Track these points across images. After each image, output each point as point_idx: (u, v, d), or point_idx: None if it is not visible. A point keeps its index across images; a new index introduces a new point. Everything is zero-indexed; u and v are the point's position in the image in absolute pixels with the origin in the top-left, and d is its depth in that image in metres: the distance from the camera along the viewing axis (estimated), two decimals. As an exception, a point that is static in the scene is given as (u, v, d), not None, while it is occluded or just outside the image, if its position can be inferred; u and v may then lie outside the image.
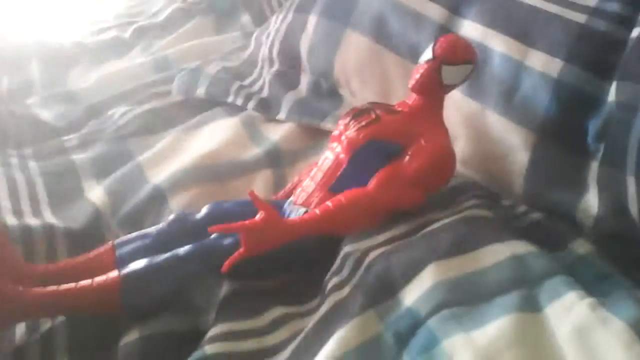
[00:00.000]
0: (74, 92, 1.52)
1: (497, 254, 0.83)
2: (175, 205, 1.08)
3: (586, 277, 0.82)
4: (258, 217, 0.87)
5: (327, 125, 1.24)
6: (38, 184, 1.18)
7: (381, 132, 0.95)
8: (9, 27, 1.89)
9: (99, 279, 0.87)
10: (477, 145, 1.07)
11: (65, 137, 1.34)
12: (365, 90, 1.26)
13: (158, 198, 1.10)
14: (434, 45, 0.97)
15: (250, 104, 1.34)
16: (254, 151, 1.22)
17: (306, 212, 0.94)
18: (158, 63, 1.59)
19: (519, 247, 0.84)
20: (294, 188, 1.05)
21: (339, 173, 0.96)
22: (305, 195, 0.97)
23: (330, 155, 0.98)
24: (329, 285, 0.87)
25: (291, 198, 1.00)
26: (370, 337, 0.78)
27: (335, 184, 0.95)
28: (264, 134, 1.27)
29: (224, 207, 0.99)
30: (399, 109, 1.00)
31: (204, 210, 0.99)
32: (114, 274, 0.88)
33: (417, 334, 0.75)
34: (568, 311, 0.74)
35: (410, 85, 0.98)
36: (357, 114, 0.99)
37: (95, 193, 1.15)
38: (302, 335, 0.82)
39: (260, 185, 1.13)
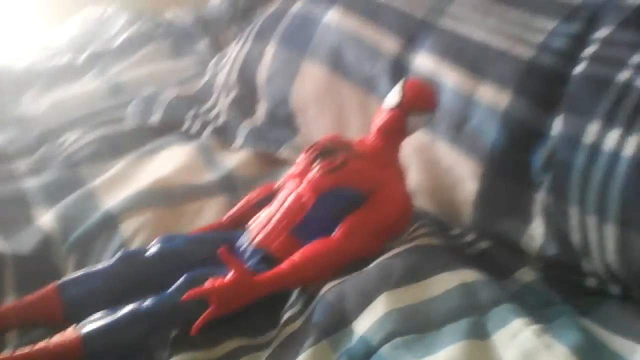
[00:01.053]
0: (25, 117, 1.51)
1: (446, 282, 0.85)
2: (126, 230, 1.07)
3: (531, 304, 0.85)
4: (229, 276, 0.86)
5: (282, 154, 1.25)
6: (-15, 210, 1.16)
7: (347, 180, 0.96)
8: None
9: (57, 340, 0.83)
10: (428, 175, 1.09)
11: (15, 164, 1.32)
12: (321, 120, 1.28)
13: (108, 222, 1.09)
14: (402, 91, 0.97)
15: (206, 132, 1.35)
16: (208, 177, 1.22)
17: (265, 255, 0.94)
18: (112, 89, 1.59)
19: (468, 276, 0.86)
20: (241, 213, 1.05)
21: (302, 217, 0.95)
22: (263, 236, 0.96)
23: (291, 195, 0.98)
24: (283, 318, 0.88)
25: (246, 236, 0.98)
26: None
27: (297, 227, 0.95)
28: (219, 161, 1.27)
29: (174, 246, 0.97)
30: (360, 149, 1.00)
31: (153, 249, 0.96)
32: (72, 334, 0.83)
33: (369, 363, 0.77)
34: (514, 337, 0.76)
35: (374, 128, 1.00)
36: (321, 154, 0.98)
37: (45, 219, 1.13)
38: None
39: (213, 210, 1.13)
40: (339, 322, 0.83)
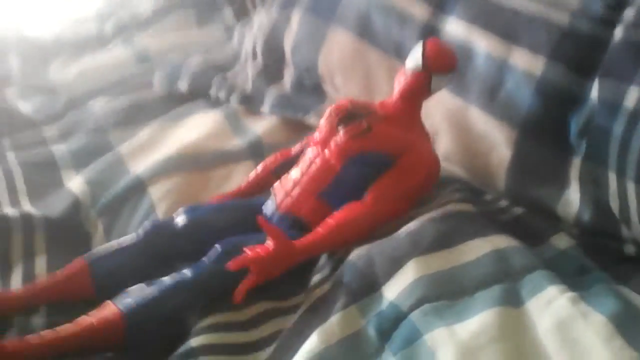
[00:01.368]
0: (53, 84, 1.52)
1: (479, 248, 0.84)
2: (155, 194, 1.07)
3: (567, 271, 0.83)
4: (270, 244, 0.85)
5: (310, 119, 1.24)
6: (16, 174, 1.17)
7: (374, 144, 0.96)
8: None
9: (100, 316, 0.83)
10: (461, 141, 1.07)
11: (44, 128, 1.33)
12: (349, 87, 1.26)
13: (137, 187, 1.09)
14: (424, 54, 0.96)
15: (233, 98, 1.34)
16: (236, 143, 1.22)
17: (294, 220, 0.94)
18: (138, 56, 1.59)
19: (501, 242, 0.85)
20: (259, 179, 1.05)
21: (330, 180, 0.95)
22: (290, 200, 0.96)
23: (316, 159, 0.97)
24: (312, 282, 0.88)
25: (272, 202, 0.98)
26: (352, 332, 0.78)
27: (325, 192, 0.95)
28: (247, 127, 1.27)
29: (199, 216, 0.97)
30: (382, 112, 0.99)
31: (179, 220, 0.96)
32: (112, 309, 0.84)
33: (399, 328, 0.76)
34: (549, 305, 0.75)
35: (397, 91, 0.99)
36: (345, 119, 0.97)
37: (75, 183, 1.14)
38: (284, 331, 0.82)
39: (241, 175, 1.12)
40: (368, 287, 0.82)
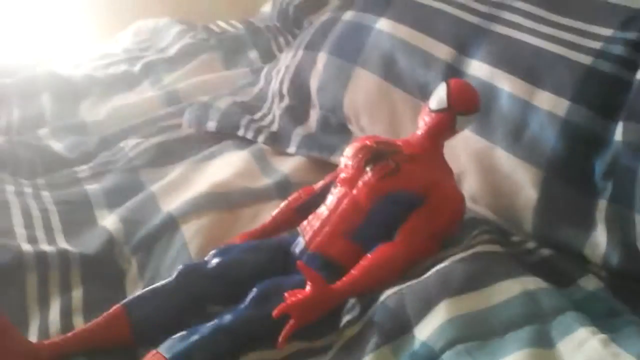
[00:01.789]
0: (84, 124, 1.55)
1: (508, 290, 0.85)
2: (187, 232, 1.09)
3: (596, 314, 0.84)
4: (309, 289, 0.86)
5: (336, 158, 1.25)
6: (52, 212, 1.19)
7: (403, 183, 0.97)
8: (20, 60, 1.92)
9: None
10: (487, 182, 1.08)
11: (77, 168, 1.36)
12: (375, 127, 1.28)
13: (170, 225, 1.11)
14: (448, 94, 0.98)
15: (261, 138, 1.37)
16: (264, 182, 1.24)
17: (324, 261, 0.95)
18: (168, 97, 1.62)
19: (530, 283, 0.86)
20: (283, 216, 1.06)
21: (360, 221, 0.96)
22: (320, 240, 0.97)
23: (345, 199, 0.98)
24: (343, 322, 0.89)
25: (300, 241, 0.99)
26: None
27: (356, 232, 0.96)
28: (274, 166, 1.29)
29: (232, 257, 0.98)
30: (407, 151, 1.01)
31: (215, 261, 0.97)
32: (158, 357, 0.84)
33: (431, 369, 0.77)
34: (580, 347, 0.75)
35: (423, 131, 1.00)
36: (373, 158, 0.99)
37: (109, 221, 1.16)
38: None
39: (269, 214, 1.12)
40: (400, 328, 0.83)
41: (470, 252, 0.92)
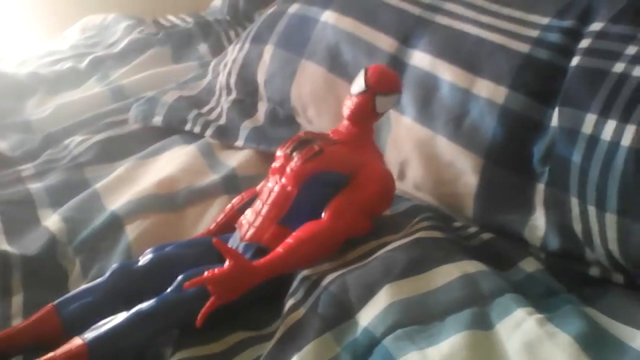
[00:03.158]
0: (30, 122, 1.52)
1: (448, 274, 0.86)
2: (132, 232, 1.08)
3: (534, 294, 0.86)
4: (227, 265, 0.86)
5: (283, 152, 1.26)
6: (-7, 213, 1.17)
7: (327, 164, 0.98)
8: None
9: (63, 349, 0.83)
10: (429, 170, 1.10)
11: (21, 167, 1.33)
12: (321, 118, 1.29)
13: (114, 224, 1.10)
14: (366, 76, 1.01)
15: (208, 132, 1.36)
16: (211, 177, 1.23)
17: (258, 248, 0.95)
18: (114, 92, 1.60)
19: (470, 267, 0.87)
20: (227, 219, 1.06)
21: (288, 206, 0.97)
22: (253, 230, 0.97)
23: (275, 187, 0.99)
24: (286, 307, 0.89)
25: (236, 234, 0.99)
26: (327, 359, 0.79)
27: (286, 217, 0.96)
28: (221, 161, 1.28)
29: (166, 252, 0.97)
30: (335, 137, 1.03)
31: (147, 258, 0.96)
32: (77, 342, 0.83)
33: (373, 354, 0.78)
34: (517, 327, 0.77)
35: (346, 116, 1.02)
36: (298, 145, 1.01)
37: (51, 221, 1.14)
38: (263, 354, 0.83)
39: (216, 212, 1.13)
40: (342, 315, 0.84)
41: (411, 238, 0.93)
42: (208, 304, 0.85)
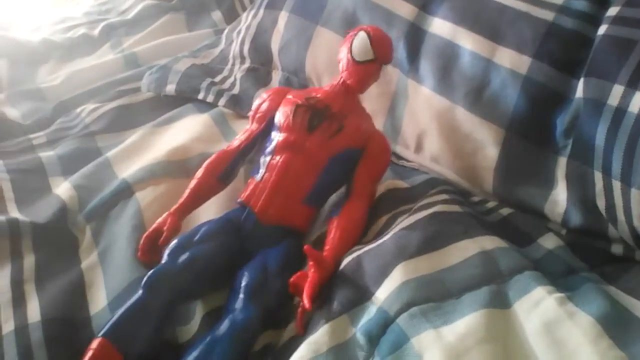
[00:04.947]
0: (42, 89, 1.50)
1: (465, 250, 0.84)
2: (142, 199, 1.06)
3: (554, 272, 0.83)
4: (314, 270, 0.85)
5: (298, 122, 1.24)
6: (4, 181, 1.16)
7: (349, 141, 0.98)
8: (-25, 25, 1.86)
9: None
10: (448, 142, 1.07)
11: (33, 135, 1.32)
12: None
13: (125, 192, 1.08)
14: (373, 45, 0.98)
15: (222, 101, 1.33)
16: (224, 146, 1.19)
17: (284, 228, 0.94)
18: (127, 60, 1.57)
19: (488, 243, 0.85)
20: (202, 187, 1.01)
21: (313, 185, 0.96)
22: (276, 210, 0.94)
23: (292, 164, 0.96)
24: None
25: (249, 212, 0.95)
26: (343, 340, 0.78)
27: (310, 195, 0.96)
28: (235, 130, 1.26)
29: (195, 251, 0.90)
30: (338, 105, 1.00)
31: (180, 260, 0.89)
32: None
33: (387, 333, 0.76)
34: (536, 306, 0.75)
35: (352, 84, 1.00)
36: (313, 118, 0.98)
37: (62, 188, 1.13)
38: (279, 343, 0.82)
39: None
40: (358, 297, 0.82)
41: (427, 213, 0.91)
42: (301, 311, 0.83)
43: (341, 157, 0.98)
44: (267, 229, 0.94)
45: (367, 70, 0.99)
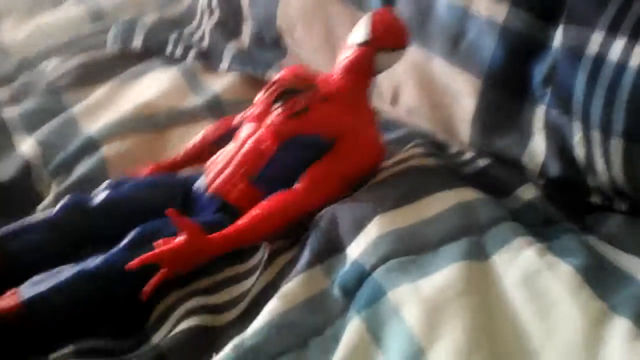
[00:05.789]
0: (4, 45, 1.45)
1: (443, 202, 0.82)
2: (109, 153, 1.04)
3: (533, 223, 0.82)
4: (180, 238, 0.79)
5: (270, 75, 1.20)
6: (-34, 139, 1.12)
7: (310, 126, 0.88)
8: None
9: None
10: (424, 94, 1.05)
11: (-5, 92, 1.27)
12: (309, 39, 1.22)
13: (90, 147, 1.06)
14: (370, 25, 0.89)
15: (190, 55, 1.30)
16: (193, 101, 1.18)
17: (223, 203, 0.88)
18: (93, 14, 1.53)
19: (466, 194, 0.83)
20: (197, 151, 0.98)
21: (262, 164, 0.88)
22: (221, 182, 0.89)
23: (251, 138, 0.90)
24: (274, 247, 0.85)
25: (203, 181, 0.91)
26: (317, 292, 0.76)
27: (258, 175, 0.88)
28: (205, 85, 1.23)
29: (123, 194, 0.89)
30: (325, 90, 0.91)
31: (100, 197, 0.88)
32: (13, 300, 0.77)
33: (363, 287, 0.74)
34: (515, 257, 0.73)
35: (340, 68, 0.92)
36: (283, 95, 0.90)
37: (26, 145, 1.10)
38: (248, 296, 0.80)
39: (198, 135, 1.08)
40: (332, 248, 0.80)
41: (403, 166, 0.89)
42: (158, 275, 0.78)
43: (299, 140, 0.88)
44: (207, 197, 0.89)
45: (358, 54, 0.90)
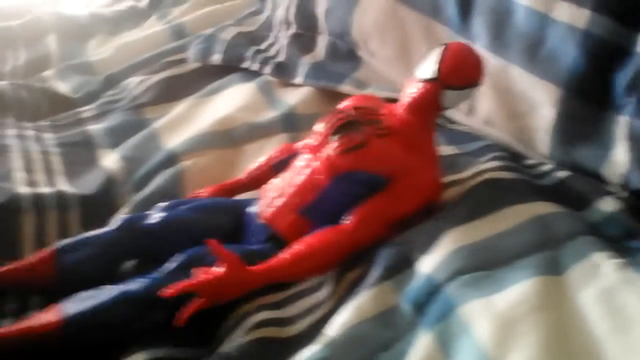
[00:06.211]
0: (90, 63, 1.51)
1: (518, 215, 0.79)
2: (186, 169, 1.06)
3: (612, 237, 0.78)
4: (221, 269, 0.78)
5: (345, 88, 1.20)
6: (53, 154, 1.17)
7: (366, 162, 0.84)
8: (26, 2, 1.88)
9: (40, 321, 0.77)
10: (502, 103, 1.02)
11: (82, 108, 1.32)
12: (385, 50, 1.22)
13: (170, 162, 1.08)
14: (440, 62, 0.84)
15: (267, 69, 1.31)
16: (269, 115, 1.19)
17: (272, 234, 0.87)
18: (174, 31, 1.57)
19: (542, 208, 0.80)
20: (261, 174, 0.97)
21: (314, 197, 0.86)
22: (272, 211, 0.88)
23: (305, 169, 0.88)
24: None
25: (256, 205, 0.90)
26: (387, 307, 0.75)
27: (308, 208, 0.86)
28: (280, 98, 1.24)
29: (179, 216, 0.89)
30: (388, 123, 0.87)
31: (156, 217, 0.89)
32: (54, 315, 0.77)
33: (434, 302, 0.72)
34: (592, 272, 0.70)
35: (405, 105, 0.87)
36: (342, 128, 0.86)
37: (109, 160, 1.14)
38: (318, 310, 0.79)
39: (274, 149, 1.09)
40: (402, 263, 0.78)
41: (477, 180, 0.87)
42: (194, 305, 0.77)
43: (353, 177, 0.84)
44: (258, 225, 0.88)
45: (423, 91, 0.85)
